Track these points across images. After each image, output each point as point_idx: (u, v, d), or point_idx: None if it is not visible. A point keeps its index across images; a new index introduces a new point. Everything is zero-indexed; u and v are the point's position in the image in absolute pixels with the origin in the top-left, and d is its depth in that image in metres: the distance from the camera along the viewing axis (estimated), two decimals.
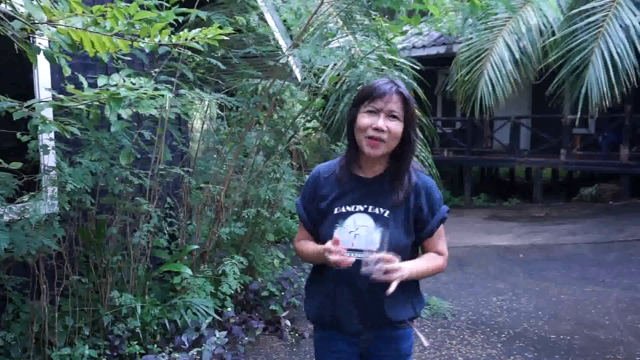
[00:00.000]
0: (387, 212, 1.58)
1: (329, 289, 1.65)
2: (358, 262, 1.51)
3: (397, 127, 1.54)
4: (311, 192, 1.69)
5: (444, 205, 1.67)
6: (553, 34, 7.11)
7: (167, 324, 3.29)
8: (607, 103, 6.30)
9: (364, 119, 1.54)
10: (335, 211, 1.61)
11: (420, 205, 1.61)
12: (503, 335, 3.95)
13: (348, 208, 1.60)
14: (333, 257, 1.47)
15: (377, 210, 1.58)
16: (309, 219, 1.71)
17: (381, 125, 1.52)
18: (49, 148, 2.83)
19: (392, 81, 1.58)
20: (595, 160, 9.74)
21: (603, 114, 7.17)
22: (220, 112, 5.11)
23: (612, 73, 6.22)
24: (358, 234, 1.57)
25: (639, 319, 4.16)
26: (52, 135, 3.11)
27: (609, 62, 6.21)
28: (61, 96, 2.50)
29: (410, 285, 1.64)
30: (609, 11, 6.41)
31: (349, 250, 1.54)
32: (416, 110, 1.59)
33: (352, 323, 1.65)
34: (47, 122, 2.49)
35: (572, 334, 3.94)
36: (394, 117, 1.54)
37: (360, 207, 1.59)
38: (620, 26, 6.30)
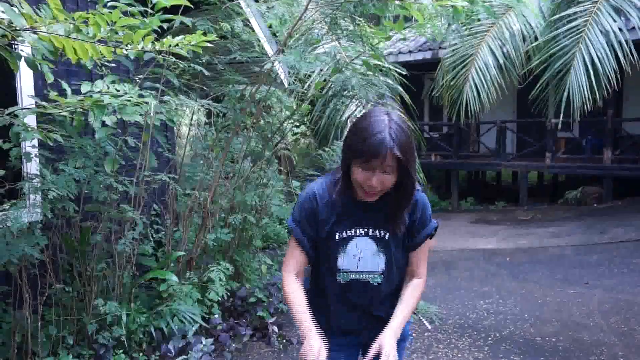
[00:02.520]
0: (388, 234, 1.61)
1: (335, 308, 1.70)
2: (364, 284, 1.62)
3: (391, 179, 1.48)
4: (309, 216, 1.60)
5: (434, 221, 1.68)
6: (536, 39, 7.22)
7: (153, 332, 3.27)
8: (589, 107, 6.41)
9: (358, 174, 1.48)
10: (337, 237, 1.60)
11: (415, 220, 1.64)
12: (489, 339, 3.98)
13: (349, 232, 1.60)
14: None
15: (377, 234, 1.60)
16: (309, 244, 1.63)
17: (375, 184, 1.46)
18: (31, 155, 2.80)
19: (388, 132, 1.42)
20: (579, 164, 9.89)
21: (586, 118, 7.29)
22: (207, 119, 5.10)
23: (593, 77, 6.33)
24: (362, 257, 1.61)
25: (622, 320, 4.22)
26: (35, 142, 3.08)
27: (590, 67, 6.33)
28: (44, 103, 2.49)
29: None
30: (589, 17, 6.53)
31: (355, 272, 1.62)
32: (412, 146, 1.49)
33: (350, 329, 1.73)
34: (29, 129, 2.47)
35: (556, 335, 3.98)
36: (388, 171, 1.46)
37: (361, 231, 1.60)
38: (601, 31, 6.43)
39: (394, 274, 1.66)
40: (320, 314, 1.66)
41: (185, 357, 3.08)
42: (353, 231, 1.60)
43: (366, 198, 1.53)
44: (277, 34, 4.58)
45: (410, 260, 1.69)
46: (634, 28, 6.69)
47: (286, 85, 4.73)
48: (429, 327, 1.89)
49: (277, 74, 4.52)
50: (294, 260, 1.64)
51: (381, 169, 1.44)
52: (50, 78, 2.36)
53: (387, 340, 1.53)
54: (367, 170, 1.45)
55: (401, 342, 1.72)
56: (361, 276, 1.62)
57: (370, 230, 1.60)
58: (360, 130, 1.46)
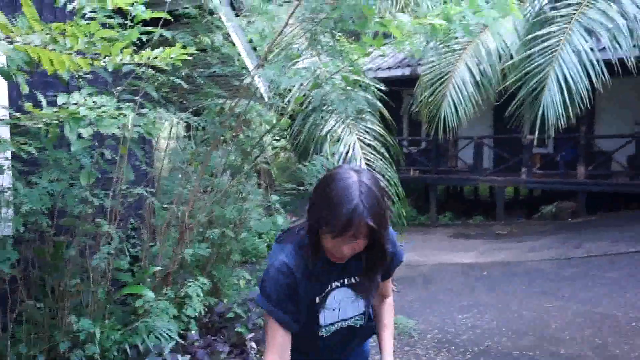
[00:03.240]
0: (363, 278, 1.55)
1: (301, 355, 1.62)
2: (347, 328, 1.61)
3: (363, 244, 1.39)
4: (288, 292, 1.45)
5: (401, 251, 1.66)
6: (511, 57, 7.40)
7: (128, 349, 3.19)
8: (563, 123, 6.56)
9: (327, 243, 1.38)
10: (317, 300, 1.53)
11: (392, 261, 1.61)
12: (468, 353, 4.00)
13: (326, 289, 1.53)
14: None
15: (353, 280, 1.56)
16: (292, 322, 1.47)
17: (347, 253, 1.39)
18: (4, 168, 2.74)
19: (360, 200, 1.30)
20: (554, 179, 10.11)
21: (560, 134, 7.46)
22: (186, 133, 5.06)
23: (566, 95, 6.50)
24: (341, 307, 1.57)
25: (596, 333, 4.29)
26: (8, 154, 3.01)
27: (563, 85, 6.49)
28: (18, 114, 2.44)
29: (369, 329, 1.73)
30: (562, 37, 6.72)
31: (337, 322, 1.58)
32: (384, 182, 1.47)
33: None
34: (2, 141, 2.42)
35: (533, 349, 4.02)
36: (360, 237, 1.36)
37: (337, 283, 1.54)
38: (573, 51, 6.61)
39: (370, 309, 1.70)
40: None
41: None
42: (329, 286, 1.54)
43: (336, 261, 1.46)
44: (258, 49, 4.60)
45: (381, 287, 1.68)
46: (604, 48, 6.91)
47: (266, 100, 4.74)
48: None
49: (257, 88, 4.53)
50: (278, 345, 1.45)
51: (354, 237, 1.34)
52: (25, 89, 2.31)
53: None
54: (337, 238, 1.34)
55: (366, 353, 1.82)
56: (344, 323, 1.59)
57: (346, 280, 1.55)
58: (329, 199, 1.32)
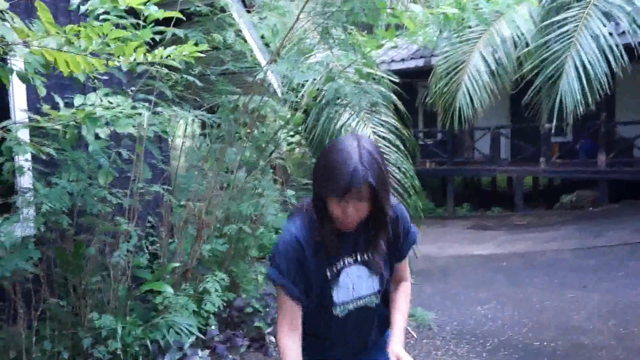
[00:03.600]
0: (375, 254, 1.58)
1: (329, 346, 1.68)
2: (361, 309, 1.60)
3: (367, 207, 1.44)
4: (297, 264, 1.49)
5: (414, 229, 1.68)
6: (527, 44, 7.27)
7: (149, 345, 3.24)
8: (582, 111, 6.44)
9: (333, 209, 1.43)
10: (329, 275, 1.54)
11: (398, 234, 1.62)
12: (488, 344, 3.97)
13: (338, 266, 1.55)
14: None
15: (366, 257, 1.58)
16: (301, 294, 1.51)
17: (352, 216, 1.43)
18: (24, 169, 2.79)
19: (360, 162, 1.36)
20: (573, 168, 9.93)
21: (579, 122, 7.32)
22: (201, 130, 5.10)
23: (585, 81, 6.37)
24: (356, 285, 1.57)
25: (621, 323, 4.22)
26: (28, 156, 3.07)
27: (581, 71, 6.37)
28: (37, 117, 2.49)
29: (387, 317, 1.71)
30: (579, 22, 6.58)
31: (352, 301, 1.59)
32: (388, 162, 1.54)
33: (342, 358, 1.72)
34: (22, 143, 2.47)
35: (555, 340, 3.97)
36: (364, 200, 1.41)
37: (350, 260, 1.56)
38: (591, 36, 6.47)
39: (385, 290, 1.68)
40: (310, 352, 1.62)
41: None
42: (342, 262, 1.55)
43: (345, 229, 1.48)
44: (270, 44, 4.60)
45: (397, 269, 1.69)
46: (623, 32, 6.75)
47: (279, 95, 4.74)
48: (415, 336, 1.94)
49: (270, 83, 4.54)
50: (289, 317, 1.50)
51: (357, 199, 1.39)
52: (42, 91, 2.36)
53: (399, 349, 1.55)
54: (342, 203, 1.40)
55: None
56: (359, 302, 1.59)
57: (359, 256, 1.57)
58: (330, 163, 1.40)
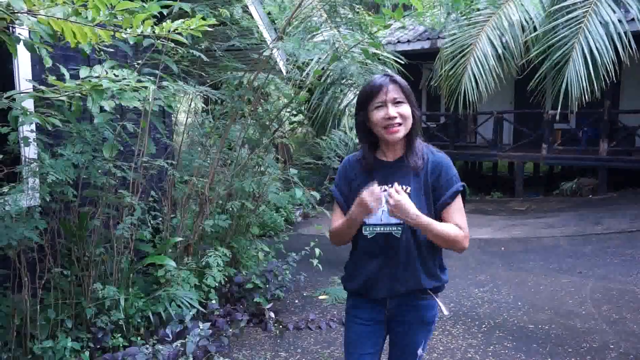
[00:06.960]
0: (409, 188, 1.75)
1: (361, 259, 1.84)
2: (387, 236, 1.76)
3: (405, 109, 1.73)
4: (343, 177, 1.89)
5: (460, 182, 1.79)
6: (535, 29, 7.20)
7: (151, 317, 3.30)
8: (587, 98, 6.40)
9: (375, 115, 1.73)
10: None
11: (436, 180, 1.76)
12: (483, 326, 4.03)
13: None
14: (367, 198, 1.64)
15: (400, 188, 1.73)
16: (345, 201, 1.85)
17: (392, 114, 1.70)
18: (30, 140, 2.80)
19: (385, 74, 1.78)
20: (575, 155, 9.92)
21: (583, 109, 7.29)
22: (205, 106, 5.09)
23: (591, 69, 6.33)
24: (385, 210, 1.70)
25: (613, 309, 4.28)
26: (33, 127, 3.08)
27: (588, 58, 6.32)
28: (42, 87, 2.48)
29: (437, 257, 1.84)
30: (589, 8, 6.51)
31: (379, 225, 1.76)
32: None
33: (379, 291, 1.82)
34: (28, 113, 2.47)
35: (549, 323, 4.03)
36: (399, 102, 1.72)
37: (385, 187, 1.71)
38: (600, 23, 6.41)
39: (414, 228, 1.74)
40: (353, 276, 1.87)
41: (182, 341, 3.11)
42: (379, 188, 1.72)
43: (391, 137, 1.72)
44: (276, 21, 4.57)
45: (443, 219, 1.77)
46: (633, 19, 6.68)
47: (284, 73, 4.72)
48: (447, 313, 1.98)
49: (276, 61, 4.52)
50: (337, 218, 1.86)
51: (392, 101, 1.71)
52: (48, 62, 2.35)
53: (405, 197, 1.65)
54: (381, 109, 1.71)
55: (428, 325, 1.85)
56: (384, 228, 1.77)
57: (393, 186, 1.71)
58: (365, 85, 1.80)
